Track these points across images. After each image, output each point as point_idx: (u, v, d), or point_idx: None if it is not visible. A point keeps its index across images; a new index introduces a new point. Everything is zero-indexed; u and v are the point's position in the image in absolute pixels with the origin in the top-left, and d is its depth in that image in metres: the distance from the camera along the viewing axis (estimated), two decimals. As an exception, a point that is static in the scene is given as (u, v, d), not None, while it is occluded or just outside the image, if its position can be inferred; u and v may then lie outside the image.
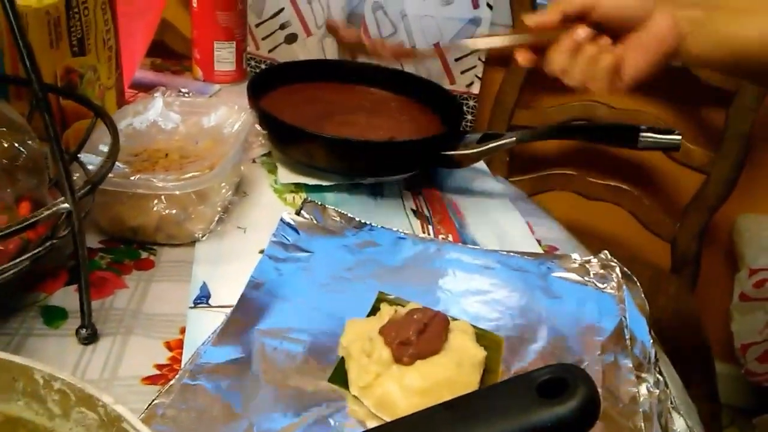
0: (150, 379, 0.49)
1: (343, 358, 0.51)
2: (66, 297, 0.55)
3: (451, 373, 0.48)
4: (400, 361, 0.48)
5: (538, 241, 0.70)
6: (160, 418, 0.44)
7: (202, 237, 0.64)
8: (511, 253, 0.65)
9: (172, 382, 0.47)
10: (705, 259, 1.32)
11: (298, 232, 0.64)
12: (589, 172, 1.34)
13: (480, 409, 0.21)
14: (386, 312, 0.54)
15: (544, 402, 0.20)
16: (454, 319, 0.54)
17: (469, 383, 0.48)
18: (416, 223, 0.71)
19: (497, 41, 0.63)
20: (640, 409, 0.48)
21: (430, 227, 0.71)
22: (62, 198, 0.47)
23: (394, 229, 0.67)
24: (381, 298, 0.58)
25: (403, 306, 0.56)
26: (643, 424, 0.47)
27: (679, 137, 0.65)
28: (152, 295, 0.57)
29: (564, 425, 0.19)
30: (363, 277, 0.61)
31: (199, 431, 0.44)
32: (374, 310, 0.56)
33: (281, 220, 0.64)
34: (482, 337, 0.54)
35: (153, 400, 0.46)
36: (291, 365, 0.50)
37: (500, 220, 0.73)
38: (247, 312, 0.54)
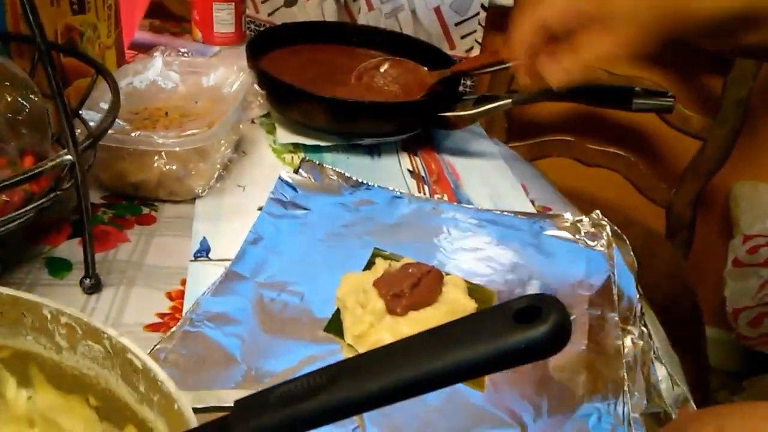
0: (152, 327, 0.50)
1: (338, 309, 0.53)
2: (70, 249, 0.57)
3: (439, 322, 0.50)
4: (394, 312, 0.50)
5: (532, 202, 0.71)
6: (162, 361, 0.46)
7: (203, 193, 0.65)
8: (505, 213, 0.67)
9: (173, 329, 0.49)
10: (699, 226, 1.34)
11: (296, 190, 0.65)
12: (586, 138, 1.35)
13: (459, 333, 0.22)
14: (381, 266, 0.55)
15: (518, 327, 0.21)
16: (447, 274, 0.56)
17: None
18: (412, 183, 0.72)
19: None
20: (624, 360, 0.50)
21: (426, 187, 0.72)
22: (65, 150, 0.48)
23: (391, 188, 0.68)
24: (376, 254, 0.60)
25: (398, 261, 0.57)
26: (625, 374, 0.49)
27: (672, 99, 0.66)
28: (154, 249, 0.59)
29: (535, 347, 0.21)
30: (359, 233, 0.62)
31: (200, 375, 0.46)
32: (369, 265, 0.58)
33: (279, 178, 0.66)
34: (474, 291, 0.55)
35: (155, 345, 0.47)
36: (288, 316, 0.52)
37: (495, 181, 0.74)
38: (246, 265, 0.56)
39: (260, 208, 0.64)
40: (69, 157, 0.47)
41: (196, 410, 0.27)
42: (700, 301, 1.20)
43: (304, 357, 0.48)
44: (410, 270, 0.53)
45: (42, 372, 0.33)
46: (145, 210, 0.64)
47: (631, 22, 0.51)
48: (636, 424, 0.46)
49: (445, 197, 0.70)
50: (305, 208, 0.64)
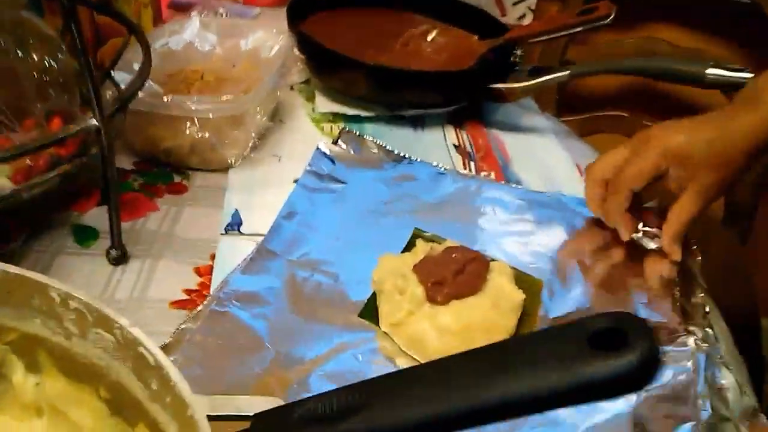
0: (178, 304, 0.48)
1: (374, 293, 0.50)
2: (98, 217, 0.55)
3: (486, 315, 0.46)
4: (434, 301, 0.46)
5: (587, 183, 0.66)
6: (187, 343, 0.43)
7: (236, 163, 0.62)
8: (558, 195, 0.62)
9: (200, 308, 0.46)
10: (761, 212, 1.25)
11: (333, 163, 0.61)
12: (642, 115, 1.27)
13: (524, 356, 0.18)
14: (421, 249, 0.51)
15: (597, 354, 0.17)
16: (493, 260, 0.52)
17: (506, 327, 0.46)
18: (457, 159, 0.68)
19: None
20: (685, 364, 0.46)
21: (472, 164, 0.67)
22: (91, 115, 0.45)
23: (434, 163, 0.64)
24: (417, 234, 0.56)
25: (440, 243, 0.53)
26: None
27: (750, 75, 0.59)
28: (184, 220, 0.56)
29: (620, 381, 0.17)
30: (399, 211, 0.58)
31: (225, 358, 0.43)
32: (409, 246, 0.54)
33: (317, 149, 0.62)
34: (521, 279, 0.51)
35: (181, 325, 0.45)
36: (321, 298, 0.49)
37: (547, 160, 0.69)
38: (279, 241, 0.52)
39: (296, 181, 0.60)
40: (95, 122, 0.44)
41: (211, 418, 0.24)
42: (756, 293, 1.13)
43: (336, 344, 0.45)
44: (453, 255, 0.49)
45: (51, 357, 0.30)
46: (177, 178, 0.61)
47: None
48: None
49: (493, 176, 0.66)
50: (343, 182, 0.60)
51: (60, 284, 0.29)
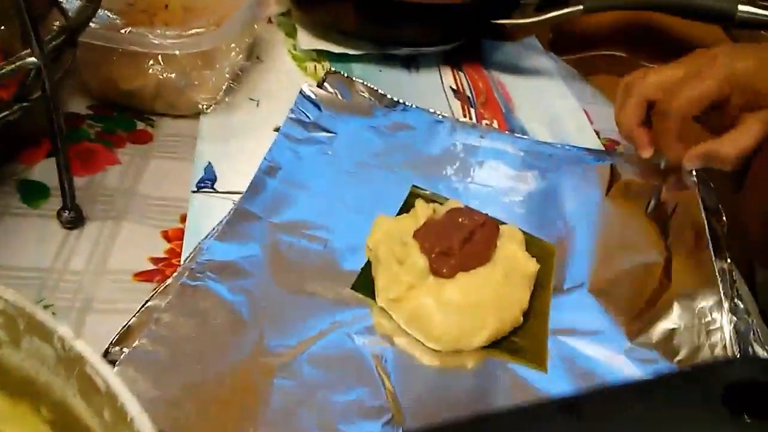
0: (144, 275, 0.41)
1: (369, 262, 0.44)
2: (48, 171, 0.47)
3: (497, 289, 0.41)
4: (439, 273, 0.40)
5: (597, 133, 0.60)
6: (155, 323, 0.37)
7: (208, 109, 0.54)
8: (566, 147, 0.56)
9: (169, 281, 0.40)
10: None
11: (320, 109, 0.54)
12: (640, 55, 1.21)
13: (623, 418, 0.13)
14: (422, 211, 0.45)
15: (738, 421, 0.12)
16: (501, 223, 0.46)
17: (519, 301, 0.41)
18: (456, 105, 0.61)
19: None
20: (710, 342, 0.41)
21: (473, 110, 0.61)
22: (29, 50, 0.37)
23: (431, 110, 0.57)
24: (414, 193, 0.50)
25: (441, 204, 0.47)
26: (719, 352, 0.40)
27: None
28: (149, 175, 0.49)
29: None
30: (394, 165, 0.52)
31: (200, 342, 0.37)
32: (406, 207, 0.48)
33: (300, 92, 0.55)
34: (531, 244, 0.46)
35: (146, 301, 0.39)
36: (309, 267, 0.43)
37: (553, 106, 0.62)
38: (259, 201, 0.46)
39: (277, 129, 0.53)
40: (33, 59, 0.37)
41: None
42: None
43: (327, 325, 0.39)
44: (460, 219, 0.43)
45: (-21, 367, 0.24)
46: (140, 125, 0.53)
47: None
48: None
49: (495, 124, 0.59)
50: (331, 132, 0.53)
51: (-19, 280, 0.22)
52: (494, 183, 0.52)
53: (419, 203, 0.46)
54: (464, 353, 0.39)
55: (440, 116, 0.57)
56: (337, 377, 0.37)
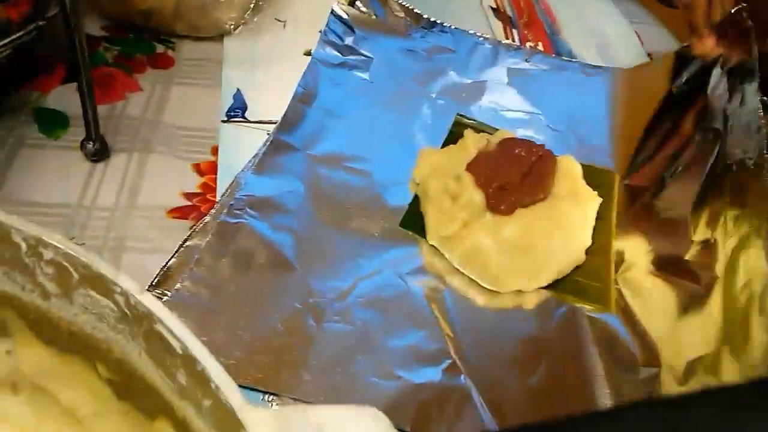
0: (178, 211, 0.39)
1: (416, 196, 0.41)
2: (65, 98, 0.44)
3: (559, 227, 0.38)
4: (496, 210, 0.37)
5: (649, 55, 0.56)
6: (195, 264, 0.35)
7: (233, 30, 0.50)
8: (617, 70, 0.52)
9: (207, 219, 0.37)
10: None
11: (353, 30, 0.50)
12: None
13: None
14: (472, 141, 0.42)
15: None
16: (557, 155, 0.43)
17: (581, 238, 0.39)
18: (497, 26, 0.57)
19: None
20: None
21: (515, 32, 0.56)
22: (44, -39, 0.33)
23: (471, 31, 0.53)
24: (460, 122, 0.46)
25: (491, 134, 0.44)
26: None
27: None
28: (173, 103, 0.45)
29: None
30: (434, 92, 0.48)
31: (246, 283, 0.35)
32: (453, 137, 0.45)
33: (332, 12, 0.50)
34: (590, 173, 0.42)
35: (185, 241, 0.36)
36: (352, 203, 0.40)
37: (601, 25, 0.58)
38: (295, 131, 0.43)
39: (308, 53, 0.49)
40: (49, -29, 0.32)
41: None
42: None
43: (376, 265, 0.37)
44: (516, 151, 0.40)
45: (23, 320, 0.21)
46: (160, 48, 0.49)
47: None
48: None
49: (540, 46, 0.55)
50: (366, 55, 0.49)
51: (26, 225, 0.19)
52: (543, 110, 0.49)
53: (469, 133, 0.43)
54: (523, 294, 0.37)
55: (481, 38, 0.53)
56: (392, 320, 0.35)
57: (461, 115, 0.47)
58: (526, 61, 0.52)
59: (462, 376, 0.33)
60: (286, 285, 0.35)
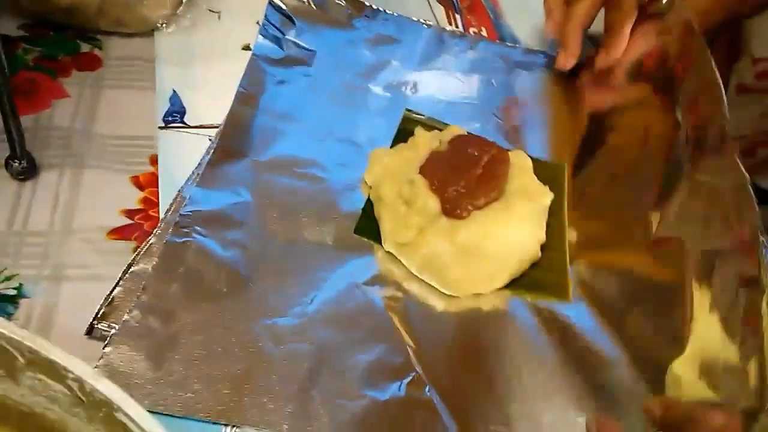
0: (119, 232, 0.36)
1: (369, 200, 0.40)
2: (-17, 109, 0.40)
3: (514, 226, 0.38)
4: (452, 215, 0.37)
5: (590, 38, 0.56)
6: (143, 291, 0.33)
7: (164, 25, 0.47)
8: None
9: (151, 240, 0.35)
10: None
11: (293, 21, 0.48)
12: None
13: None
14: (423, 139, 0.41)
15: None
16: (508, 150, 0.42)
17: (536, 235, 0.39)
18: (439, 11, 0.55)
19: None
20: None
21: (458, 17, 0.55)
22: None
23: (414, 18, 0.52)
24: (409, 118, 0.45)
25: (440, 130, 0.43)
26: None
27: None
28: (104, 109, 0.42)
29: None
30: (381, 86, 0.47)
31: (199, 308, 0.33)
32: (402, 134, 0.44)
33: (270, 3, 0.48)
34: (539, 167, 0.42)
35: (129, 266, 0.34)
36: (304, 211, 0.39)
37: (542, 8, 0.57)
38: (240, 137, 0.41)
39: (247, 47, 0.47)
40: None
41: None
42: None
43: (333, 277, 0.36)
44: (469, 150, 0.39)
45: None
46: (85, 47, 0.46)
47: None
48: None
49: (484, 31, 0.54)
50: (309, 49, 0.47)
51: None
52: (490, 100, 0.48)
53: (419, 132, 0.42)
54: (482, 296, 0.37)
55: (425, 25, 0.52)
56: (353, 336, 0.34)
57: (409, 110, 0.46)
58: (471, 48, 0.51)
59: (426, 388, 0.32)
60: (241, 307, 0.34)
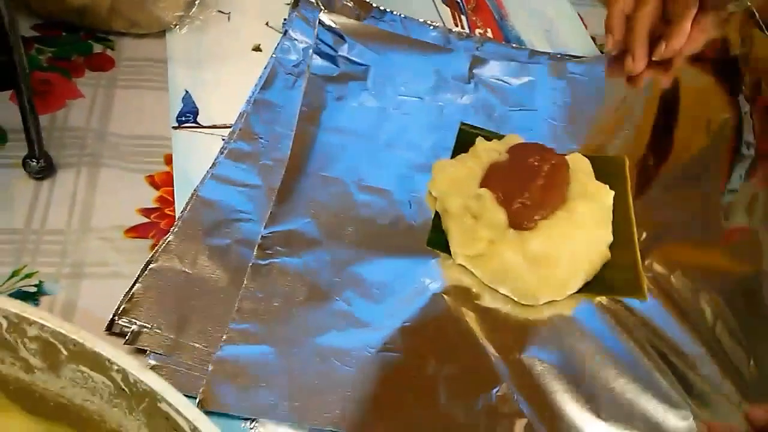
0: (136, 230, 0.37)
1: (437, 213, 0.40)
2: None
3: (581, 231, 0.37)
4: (520, 227, 0.37)
5: (593, 39, 0.57)
6: (237, 313, 0.33)
7: (176, 26, 0.48)
8: (566, 57, 0.53)
9: (169, 238, 0.36)
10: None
11: (343, 38, 0.48)
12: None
13: None
14: (484, 150, 0.41)
15: None
16: (565, 154, 0.42)
17: (603, 236, 0.39)
18: (445, 12, 0.56)
19: None
20: None
21: (464, 18, 0.56)
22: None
23: (421, 19, 0.52)
24: (465, 130, 0.45)
25: (497, 139, 0.43)
26: None
27: None
28: (118, 109, 0.43)
29: None
30: (429, 94, 0.47)
31: (290, 325, 0.33)
32: (460, 144, 0.44)
33: (320, 22, 0.47)
34: (598, 164, 0.42)
35: (148, 263, 0.35)
36: (378, 224, 0.39)
37: (548, 11, 0.58)
38: (307, 154, 0.41)
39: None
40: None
41: None
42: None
43: (411, 288, 0.36)
44: (530, 160, 0.39)
45: (2, 390, 0.20)
46: (97, 48, 0.46)
47: None
48: None
49: (489, 33, 0.55)
50: (362, 64, 0.47)
51: (7, 300, 0.18)
52: (540, 104, 0.48)
53: (480, 142, 0.42)
54: (558, 302, 0.37)
55: (431, 26, 0.52)
56: (442, 347, 0.34)
57: (465, 124, 0.46)
58: (477, 49, 0.52)
59: (515, 397, 0.32)
60: (328, 321, 0.34)
